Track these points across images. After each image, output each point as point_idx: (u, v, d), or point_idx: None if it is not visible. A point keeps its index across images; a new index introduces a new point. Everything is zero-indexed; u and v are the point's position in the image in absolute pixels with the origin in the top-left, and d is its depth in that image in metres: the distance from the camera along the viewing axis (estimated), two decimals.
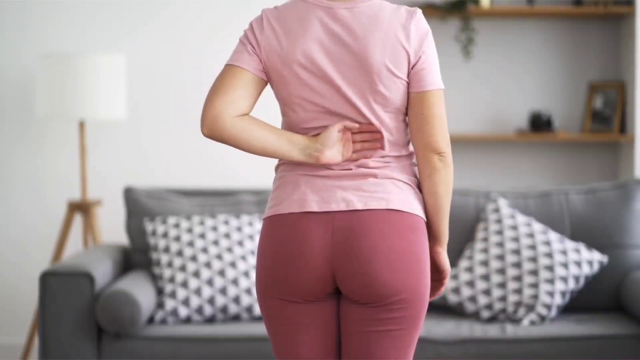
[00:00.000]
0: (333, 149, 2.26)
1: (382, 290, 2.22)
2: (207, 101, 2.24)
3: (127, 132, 4.89)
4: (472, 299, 3.93)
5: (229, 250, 3.98)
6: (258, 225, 4.08)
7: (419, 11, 2.28)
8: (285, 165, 2.32)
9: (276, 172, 2.35)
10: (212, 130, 2.22)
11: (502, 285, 3.91)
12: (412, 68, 2.25)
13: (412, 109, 2.27)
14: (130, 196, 4.23)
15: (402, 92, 2.26)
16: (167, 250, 4.00)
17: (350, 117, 2.26)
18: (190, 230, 4.03)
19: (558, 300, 3.88)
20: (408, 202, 2.26)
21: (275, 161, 2.37)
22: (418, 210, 2.28)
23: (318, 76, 2.25)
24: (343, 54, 2.24)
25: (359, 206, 2.22)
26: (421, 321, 2.28)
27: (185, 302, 3.88)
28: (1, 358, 4.91)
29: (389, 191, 2.25)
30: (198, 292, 3.89)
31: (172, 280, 3.93)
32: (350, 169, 2.26)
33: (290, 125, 2.30)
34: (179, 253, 3.98)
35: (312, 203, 2.24)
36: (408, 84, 2.26)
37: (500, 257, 3.96)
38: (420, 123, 2.26)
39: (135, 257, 4.18)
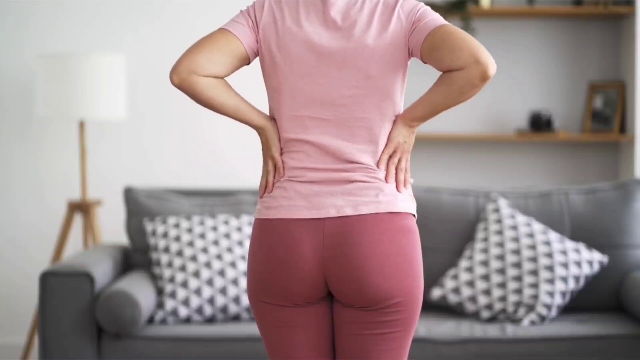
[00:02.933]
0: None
1: (375, 295, 2.21)
2: (188, 52, 2.23)
3: (127, 132, 4.89)
4: (472, 299, 3.93)
5: (229, 250, 3.98)
6: None
7: None
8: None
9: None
10: (183, 81, 2.21)
11: (502, 285, 3.91)
12: (409, 35, 2.23)
13: (433, 48, 2.18)
14: (130, 196, 4.23)
15: (397, 76, 2.25)
16: (167, 250, 4.00)
17: (341, 104, 2.25)
18: (190, 230, 4.03)
19: (558, 300, 3.88)
20: (398, 202, 2.25)
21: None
22: (409, 208, 2.27)
23: (311, 63, 2.24)
24: (338, 40, 2.24)
25: (349, 212, 2.21)
26: (415, 322, 2.27)
27: (185, 302, 3.88)
28: (1, 358, 4.91)
29: (378, 194, 2.24)
30: (198, 292, 3.89)
31: (172, 280, 3.93)
32: (338, 173, 2.26)
33: (278, 114, 2.29)
34: (179, 253, 3.98)
35: (302, 209, 2.23)
36: (413, 50, 2.23)
37: (500, 257, 3.96)
38: (450, 46, 2.15)
39: (135, 257, 4.18)
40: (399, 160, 2.27)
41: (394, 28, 2.23)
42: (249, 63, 2.31)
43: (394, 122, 2.27)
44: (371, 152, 2.26)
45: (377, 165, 2.25)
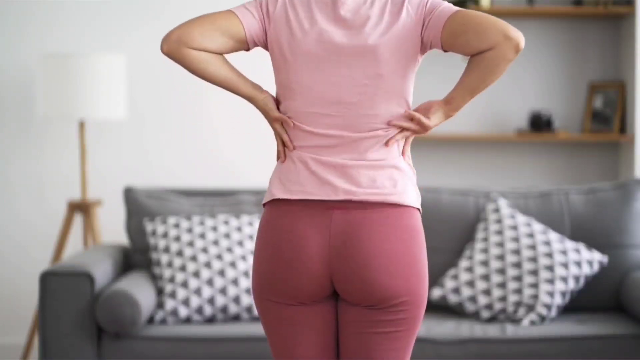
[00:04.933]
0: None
1: (381, 294, 2.21)
2: (184, 24, 2.24)
3: (127, 132, 4.89)
4: (472, 299, 3.93)
5: (229, 250, 3.98)
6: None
7: None
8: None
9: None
10: (171, 51, 2.23)
11: (502, 285, 3.91)
12: (422, 32, 2.23)
13: (456, 34, 2.19)
14: (130, 196, 4.23)
15: (408, 74, 2.25)
16: (167, 250, 4.00)
17: (350, 102, 2.25)
18: (190, 230, 4.03)
19: (558, 300, 3.88)
20: (404, 193, 2.25)
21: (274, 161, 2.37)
22: (414, 201, 2.27)
23: (322, 60, 2.25)
24: (348, 38, 2.24)
25: (354, 198, 2.22)
26: (420, 322, 2.28)
27: (185, 302, 3.88)
28: (1, 358, 4.91)
29: (385, 185, 2.24)
30: (198, 292, 3.89)
31: (172, 280, 3.93)
32: (347, 161, 2.25)
33: (287, 110, 2.29)
34: (179, 253, 3.98)
35: (306, 194, 2.23)
36: (432, 43, 2.23)
37: (500, 257, 3.96)
38: (476, 29, 2.16)
39: (135, 257, 4.18)
40: (409, 129, 2.26)
41: (403, 24, 2.23)
42: (247, 49, 2.31)
43: (432, 106, 2.26)
44: (379, 148, 2.26)
45: (388, 122, 2.24)
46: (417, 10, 2.24)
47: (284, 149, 2.30)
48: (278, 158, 2.31)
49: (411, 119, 2.26)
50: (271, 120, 2.31)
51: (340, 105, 2.25)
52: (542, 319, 3.85)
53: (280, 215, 2.26)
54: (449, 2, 4.95)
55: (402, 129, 2.26)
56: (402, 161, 2.28)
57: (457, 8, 2.21)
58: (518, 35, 2.16)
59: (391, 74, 2.24)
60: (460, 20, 2.18)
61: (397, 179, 2.25)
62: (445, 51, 2.24)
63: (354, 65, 2.24)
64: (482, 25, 2.15)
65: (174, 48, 2.23)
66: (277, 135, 2.31)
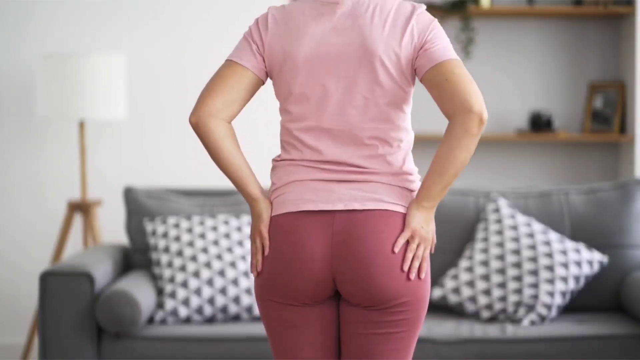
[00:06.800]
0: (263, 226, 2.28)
1: (383, 295, 2.21)
2: (207, 95, 2.24)
3: (127, 132, 4.89)
4: (472, 299, 3.93)
5: (229, 250, 3.98)
6: None
7: (423, 6, 2.29)
8: (281, 168, 2.31)
9: (272, 172, 2.35)
10: (200, 125, 2.24)
11: (502, 285, 3.91)
12: (418, 53, 2.22)
13: (434, 84, 2.19)
14: (130, 196, 4.23)
15: (405, 84, 2.25)
16: (167, 250, 4.00)
17: (349, 113, 2.25)
18: (190, 230, 4.03)
19: (558, 300, 3.88)
20: (406, 205, 2.26)
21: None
22: None
23: (320, 71, 2.24)
24: (347, 47, 2.24)
25: (357, 206, 2.22)
26: (421, 322, 2.28)
27: (185, 302, 3.88)
28: (1, 358, 4.91)
29: (387, 194, 2.24)
30: (198, 292, 3.89)
31: (172, 280, 3.93)
32: (346, 175, 2.25)
33: (289, 124, 2.29)
34: (179, 253, 3.98)
35: (309, 203, 2.23)
36: (416, 70, 2.23)
37: (500, 257, 3.96)
38: (449, 90, 2.16)
39: (135, 257, 4.18)
40: (417, 247, 2.23)
41: (406, 40, 2.23)
42: (263, 83, 2.32)
43: (409, 206, 2.24)
44: (379, 158, 2.26)
45: (392, 249, 2.21)
46: (421, 33, 2.23)
47: (255, 263, 2.28)
48: (255, 273, 2.28)
49: (408, 239, 2.22)
50: (258, 231, 2.28)
51: (341, 116, 2.24)
52: (542, 319, 3.85)
53: (281, 216, 2.27)
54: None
55: (408, 244, 2.23)
56: (405, 179, 2.28)
57: (450, 56, 2.20)
58: (481, 109, 2.14)
59: (389, 85, 2.23)
60: (444, 75, 2.17)
61: (397, 195, 2.25)
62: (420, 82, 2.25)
63: (353, 75, 2.23)
64: (455, 89, 2.15)
65: (203, 121, 2.24)
66: (254, 251, 2.29)
